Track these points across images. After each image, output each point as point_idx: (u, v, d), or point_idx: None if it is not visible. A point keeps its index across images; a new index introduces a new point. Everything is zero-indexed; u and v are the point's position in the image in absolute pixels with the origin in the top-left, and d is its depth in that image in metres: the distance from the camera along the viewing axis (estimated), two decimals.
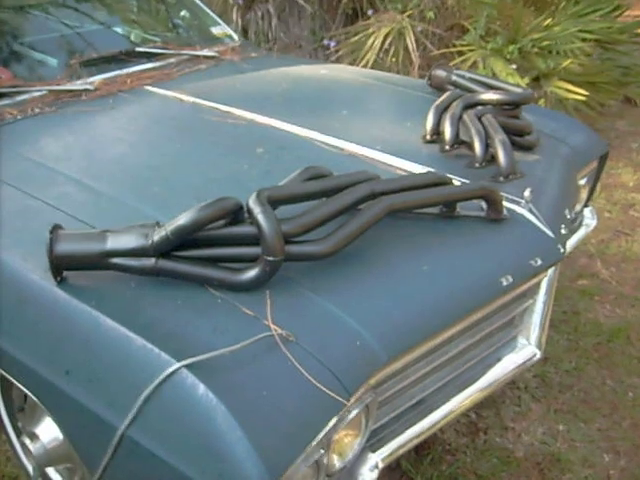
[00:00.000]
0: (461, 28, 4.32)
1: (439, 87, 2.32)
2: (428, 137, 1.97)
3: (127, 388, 1.16)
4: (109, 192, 1.63)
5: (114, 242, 1.26)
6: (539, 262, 1.60)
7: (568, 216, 1.86)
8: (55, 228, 1.29)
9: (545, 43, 3.96)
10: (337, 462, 1.31)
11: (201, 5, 2.99)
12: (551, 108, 3.76)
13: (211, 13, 2.98)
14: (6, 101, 2.10)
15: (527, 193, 1.67)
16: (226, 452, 1.05)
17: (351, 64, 4.12)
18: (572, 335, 2.57)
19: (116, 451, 1.17)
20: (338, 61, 4.34)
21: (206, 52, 2.64)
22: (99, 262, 1.27)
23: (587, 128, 2.36)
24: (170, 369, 1.11)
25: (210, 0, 4.26)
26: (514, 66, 3.90)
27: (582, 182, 2.22)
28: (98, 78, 2.28)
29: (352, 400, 1.20)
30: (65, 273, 1.32)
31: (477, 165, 1.83)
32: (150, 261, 1.26)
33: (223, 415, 1.06)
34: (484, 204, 1.63)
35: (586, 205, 2.35)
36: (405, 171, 1.79)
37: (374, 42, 4.21)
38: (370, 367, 1.25)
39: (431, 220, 1.60)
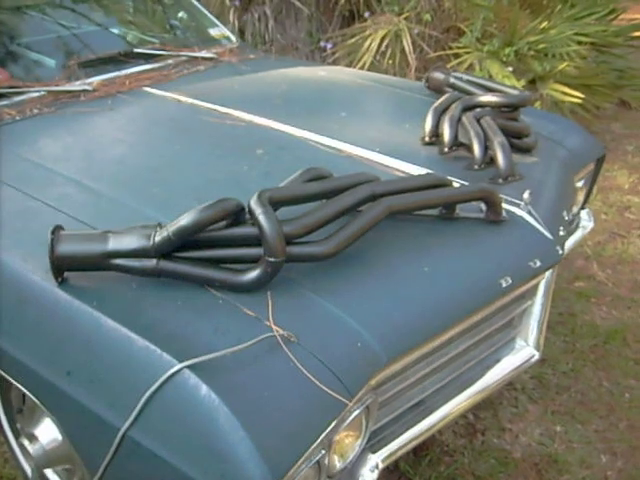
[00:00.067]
0: (457, 30, 4.33)
1: (437, 89, 2.33)
2: (427, 139, 1.98)
3: (129, 389, 1.16)
4: (109, 193, 1.63)
5: (115, 243, 1.26)
6: (538, 263, 1.61)
7: (566, 218, 1.87)
8: (56, 229, 1.29)
9: (541, 46, 3.97)
10: (338, 463, 1.32)
11: (199, 6, 2.99)
12: (547, 111, 3.77)
13: (209, 15, 2.98)
14: (4, 102, 2.09)
15: (526, 195, 1.68)
16: (229, 452, 1.05)
17: (348, 66, 4.12)
18: (569, 337, 2.59)
19: (117, 452, 1.17)
20: (335, 63, 4.34)
21: (204, 54, 2.64)
22: (100, 263, 1.28)
23: (584, 130, 2.37)
24: (172, 370, 1.11)
25: (207, 1, 4.26)
26: (510, 68, 3.91)
27: (579, 184, 2.23)
28: (97, 79, 2.28)
29: (353, 401, 1.20)
30: (66, 274, 1.32)
31: (476, 167, 1.83)
32: (151, 262, 1.26)
33: (225, 415, 1.07)
34: (483, 206, 1.64)
35: (583, 207, 2.36)
36: (404, 173, 1.80)
37: (371, 44, 4.21)
38: (371, 368, 1.26)
39: (431, 222, 1.61)
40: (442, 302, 1.43)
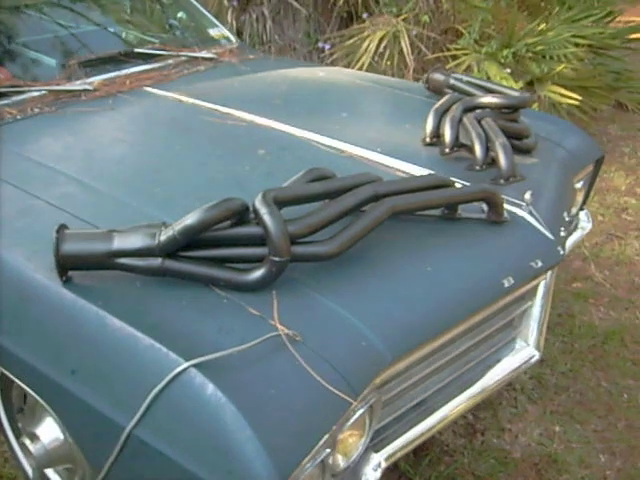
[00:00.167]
0: (456, 32, 4.34)
1: (437, 90, 2.33)
2: (428, 140, 1.99)
3: (134, 387, 1.16)
4: (110, 192, 1.63)
5: (120, 242, 1.26)
6: (539, 264, 1.62)
7: (566, 219, 1.88)
8: (61, 228, 1.29)
9: (539, 48, 4.00)
10: (342, 462, 1.32)
11: (198, 7, 2.99)
12: (545, 112, 3.78)
13: (208, 15, 2.99)
14: (5, 101, 2.09)
15: (527, 196, 1.69)
16: (235, 451, 1.06)
17: (346, 67, 4.12)
18: (567, 337, 2.60)
19: (122, 451, 1.17)
20: (333, 64, 4.34)
21: (204, 54, 2.64)
22: (105, 262, 1.28)
23: (583, 132, 2.38)
24: (179, 368, 1.11)
25: (205, 2, 4.25)
26: (508, 70, 3.93)
27: (578, 185, 2.24)
28: (97, 79, 2.28)
29: (358, 400, 1.21)
30: (70, 273, 1.32)
31: (477, 168, 1.84)
32: (156, 261, 1.27)
33: (232, 414, 1.07)
34: (485, 206, 1.65)
35: (582, 208, 2.37)
36: (405, 173, 1.80)
37: (369, 45, 4.22)
38: (375, 367, 1.26)
39: (433, 222, 1.61)
40: (445, 302, 1.43)
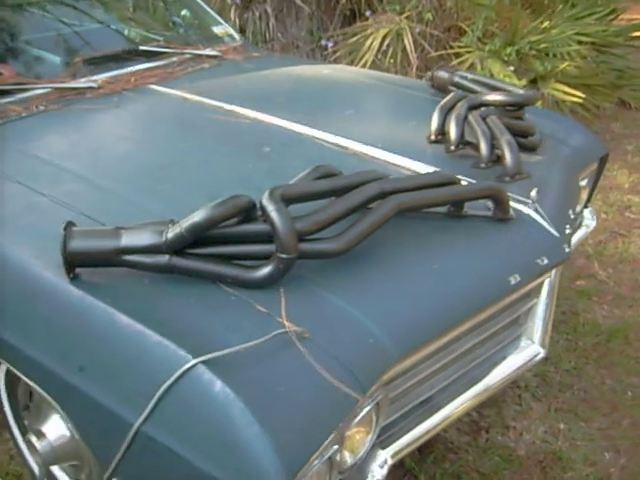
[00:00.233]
0: (459, 30, 4.34)
1: (441, 88, 2.33)
2: (433, 137, 1.98)
3: (142, 384, 1.16)
4: (116, 190, 1.63)
5: (128, 239, 1.27)
6: (545, 261, 1.62)
7: (572, 216, 1.88)
8: (69, 225, 1.29)
9: (542, 45, 4.00)
10: (349, 458, 1.32)
11: (202, 4, 2.99)
12: (549, 110, 3.78)
13: (212, 12, 2.99)
14: (10, 98, 2.09)
15: (533, 193, 1.69)
16: (243, 447, 1.06)
17: (349, 65, 4.13)
18: (571, 335, 2.60)
19: (130, 447, 1.17)
20: (336, 62, 4.34)
21: (209, 51, 2.64)
22: (113, 259, 1.28)
23: (587, 130, 2.38)
24: (187, 365, 1.11)
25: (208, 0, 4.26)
26: (512, 68, 3.93)
27: (583, 183, 2.24)
28: (102, 76, 2.28)
29: (366, 397, 1.21)
30: (77, 270, 1.32)
31: (483, 165, 1.84)
32: (164, 258, 1.27)
33: (240, 410, 1.07)
34: (491, 204, 1.64)
35: (586, 206, 2.37)
36: (411, 171, 1.80)
37: (372, 43, 4.22)
38: (382, 364, 1.27)
39: (439, 219, 1.61)
40: (452, 299, 1.43)
